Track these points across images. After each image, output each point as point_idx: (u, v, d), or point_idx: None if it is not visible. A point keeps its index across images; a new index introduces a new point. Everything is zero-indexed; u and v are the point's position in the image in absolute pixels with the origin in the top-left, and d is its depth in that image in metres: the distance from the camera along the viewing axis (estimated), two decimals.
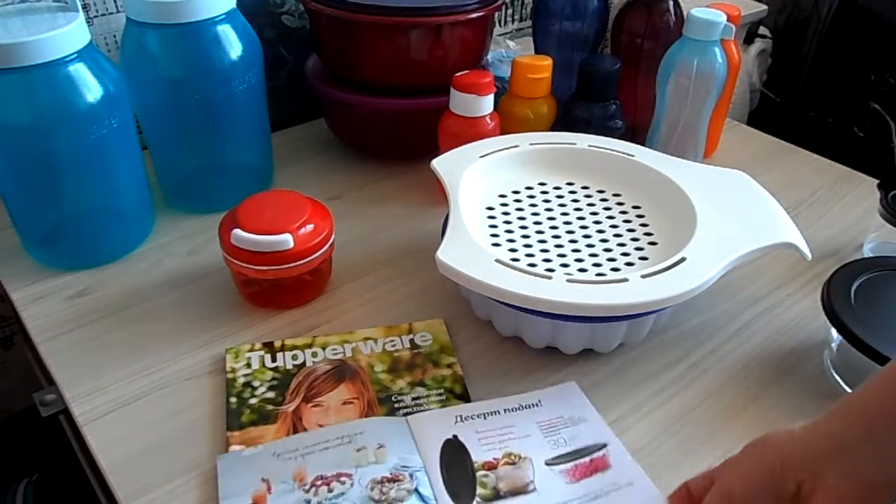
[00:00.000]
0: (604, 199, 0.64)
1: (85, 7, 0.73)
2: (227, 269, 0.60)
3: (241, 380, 0.54)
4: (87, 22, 0.59)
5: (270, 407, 0.52)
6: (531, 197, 0.64)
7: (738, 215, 0.58)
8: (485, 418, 0.51)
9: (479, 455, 0.49)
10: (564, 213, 0.62)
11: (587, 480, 0.48)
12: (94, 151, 0.60)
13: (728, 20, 0.71)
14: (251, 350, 0.56)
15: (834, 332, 0.54)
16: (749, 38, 1.40)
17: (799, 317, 0.62)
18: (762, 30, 1.42)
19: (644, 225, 0.61)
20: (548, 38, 0.82)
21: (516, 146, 0.66)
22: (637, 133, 0.80)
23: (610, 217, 0.62)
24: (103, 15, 0.75)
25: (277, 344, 0.57)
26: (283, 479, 0.46)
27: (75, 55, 0.57)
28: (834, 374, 0.56)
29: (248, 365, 0.55)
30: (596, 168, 0.66)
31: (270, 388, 0.53)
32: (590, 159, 0.66)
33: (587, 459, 0.49)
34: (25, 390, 0.80)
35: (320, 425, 0.50)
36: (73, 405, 0.53)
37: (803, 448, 0.38)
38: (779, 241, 0.56)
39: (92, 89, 0.58)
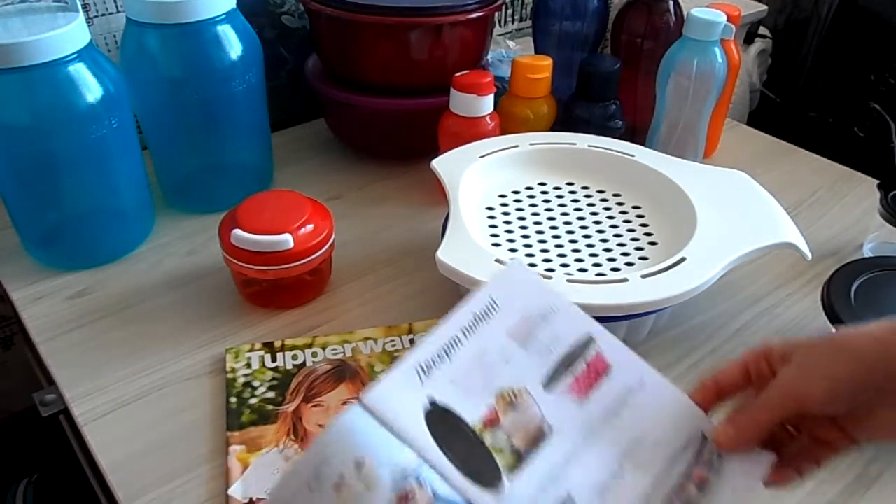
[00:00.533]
0: (604, 199, 0.64)
1: (85, 7, 0.73)
2: (227, 269, 0.60)
3: (241, 380, 0.54)
4: (87, 22, 0.59)
5: (270, 407, 0.52)
6: (531, 197, 0.64)
7: (738, 215, 0.58)
8: (449, 358, 0.42)
9: (471, 413, 0.41)
10: (564, 213, 0.62)
11: (596, 393, 0.42)
12: (94, 151, 0.60)
13: (728, 20, 0.71)
14: (251, 350, 0.56)
15: (834, 332, 0.54)
16: (749, 38, 1.40)
17: (799, 317, 0.62)
18: (762, 30, 1.42)
19: (644, 225, 0.61)
20: (548, 38, 0.82)
21: (516, 146, 0.66)
22: (637, 133, 0.80)
23: (610, 217, 0.62)
24: (103, 15, 0.75)
25: (277, 344, 0.57)
26: None
27: (75, 55, 0.57)
28: None
29: (248, 365, 0.55)
30: (596, 168, 0.66)
31: (270, 388, 0.53)
32: (590, 159, 0.66)
33: (583, 365, 0.43)
34: (25, 390, 0.80)
35: (320, 426, 0.50)
36: (73, 405, 0.53)
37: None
38: (779, 241, 0.56)
39: (92, 89, 0.58)
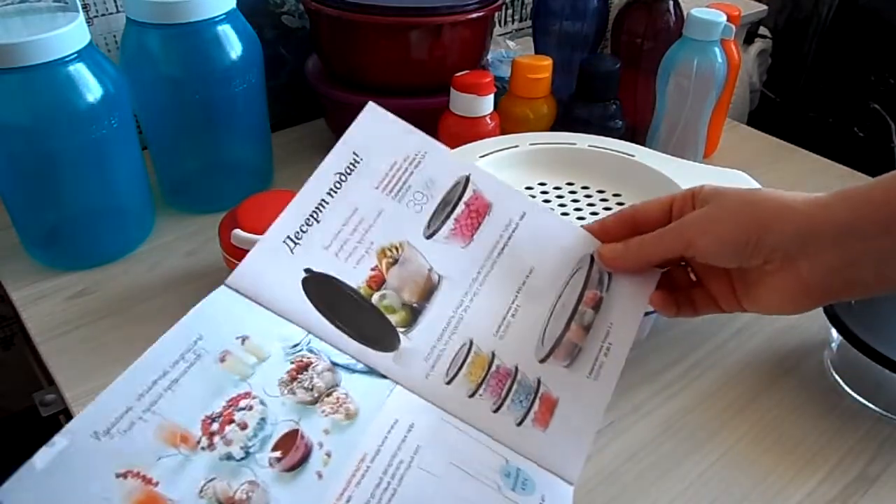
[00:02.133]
0: (604, 199, 0.64)
1: (85, 7, 0.73)
2: (227, 269, 0.60)
3: None
4: (87, 22, 0.59)
5: None
6: (531, 197, 0.64)
7: None
8: (318, 221, 0.39)
9: (353, 276, 0.38)
10: (564, 214, 0.62)
11: (480, 234, 0.41)
12: (94, 151, 0.60)
13: (728, 20, 0.71)
14: None
15: (834, 332, 0.54)
16: (749, 38, 1.40)
17: (799, 317, 0.62)
18: (762, 30, 1.42)
19: None
20: (548, 38, 0.82)
21: (516, 146, 0.66)
22: (637, 133, 0.80)
23: None
24: (103, 15, 0.75)
25: None
26: (156, 455, 0.32)
27: (75, 55, 0.57)
28: (834, 374, 0.56)
29: None
30: (596, 168, 0.66)
31: None
32: (590, 159, 0.66)
33: (462, 207, 0.41)
34: (25, 390, 0.80)
35: None
36: (73, 405, 0.53)
37: (800, 229, 0.36)
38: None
39: (92, 89, 0.58)
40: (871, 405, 0.53)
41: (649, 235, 0.40)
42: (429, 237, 0.40)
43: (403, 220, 0.40)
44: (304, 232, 0.39)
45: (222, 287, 0.38)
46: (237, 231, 0.57)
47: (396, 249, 0.40)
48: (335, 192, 0.40)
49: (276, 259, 0.38)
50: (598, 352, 0.40)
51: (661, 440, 0.51)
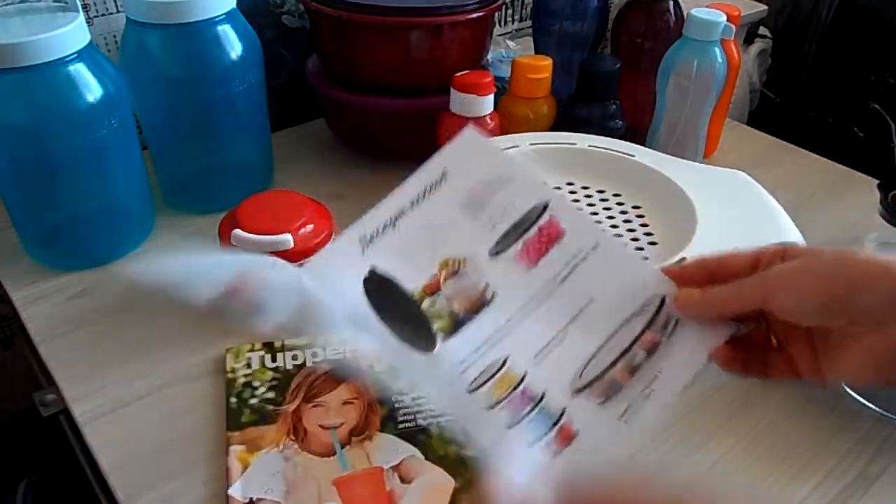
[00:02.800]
0: (604, 199, 0.64)
1: (85, 7, 0.73)
2: None
3: (242, 380, 0.54)
4: (87, 22, 0.59)
5: (271, 407, 0.52)
6: None
7: (738, 215, 0.58)
8: (394, 227, 0.42)
9: (412, 280, 0.41)
10: None
11: (546, 259, 0.41)
12: (94, 151, 0.60)
13: (728, 20, 0.71)
14: (251, 350, 0.56)
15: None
16: (749, 38, 1.40)
17: None
18: (762, 30, 1.42)
19: (644, 225, 0.61)
20: (548, 38, 0.82)
21: (516, 146, 0.66)
22: (637, 133, 0.80)
23: (610, 217, 0.62)
24: (103, 15, 0.75)
25: (277, 344, 0.57)
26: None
27: (75, 55, 0.57)
28: None
29: (249, 365, 0.55)
30: (596, 168, 0.66)
31: (270, 389, 0.53)
32: (590, 159, 0.66)
33: (534, 231, 0.42)
34: (25, 390, 0.80)
35: (321, 426, 0.50)
36: (73, 405, 0.53)
37: (892, 292, 0.34)
38: (779, 241, 0.56)
39: (92, 89, 0.58)
40: (870, 405, 0.53)
41: (728, 285, 0.38)
42: (494, 255, 0.42)
43: (473, 237, 0.42)
44: (377, 236, 0.42)
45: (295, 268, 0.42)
46: (237, 231, 0.57)
47: (458, 262, 0.41)
48: (417, 205, 0.43)
49: (346, 254, 0.42)
50: (637, 396, 0.39)
51: (660, 440, 0.51)
